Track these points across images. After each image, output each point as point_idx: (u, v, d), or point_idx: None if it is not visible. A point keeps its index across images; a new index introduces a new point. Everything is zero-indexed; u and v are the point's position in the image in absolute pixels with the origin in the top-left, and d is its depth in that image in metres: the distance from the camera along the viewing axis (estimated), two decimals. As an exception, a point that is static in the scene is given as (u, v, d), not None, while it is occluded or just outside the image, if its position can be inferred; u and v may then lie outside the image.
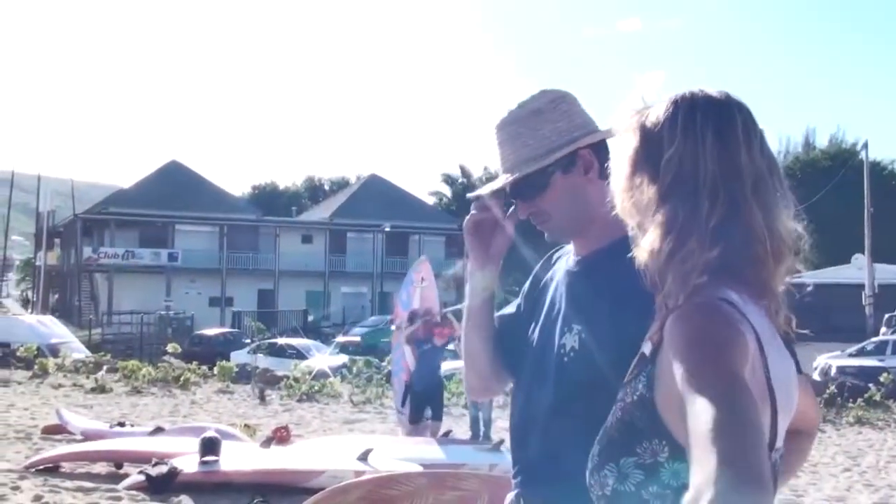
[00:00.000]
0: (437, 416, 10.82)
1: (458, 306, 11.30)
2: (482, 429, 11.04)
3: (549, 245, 2.06)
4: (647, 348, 1.33)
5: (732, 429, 1.05)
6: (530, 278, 2.10)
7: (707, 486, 0.99)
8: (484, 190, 1.95)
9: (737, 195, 1.28)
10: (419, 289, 11.86)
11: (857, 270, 37.16)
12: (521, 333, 2.00)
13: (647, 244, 1.31)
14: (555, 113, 1.89)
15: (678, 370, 1.16)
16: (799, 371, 1.41)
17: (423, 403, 10.65)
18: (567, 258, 1.99)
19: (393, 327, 12.73)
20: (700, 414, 1.08)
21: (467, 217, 1.98)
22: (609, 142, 1.89)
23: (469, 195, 2.05)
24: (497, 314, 2.11)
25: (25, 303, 52.78)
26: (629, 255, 1.40)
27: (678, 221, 1.28)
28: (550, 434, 1.80)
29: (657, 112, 1.37)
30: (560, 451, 1.75)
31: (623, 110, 1.44)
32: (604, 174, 1.82)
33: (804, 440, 1.63)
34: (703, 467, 1.02)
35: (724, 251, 1.26)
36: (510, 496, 1.96)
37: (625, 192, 1.38)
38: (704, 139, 1.31)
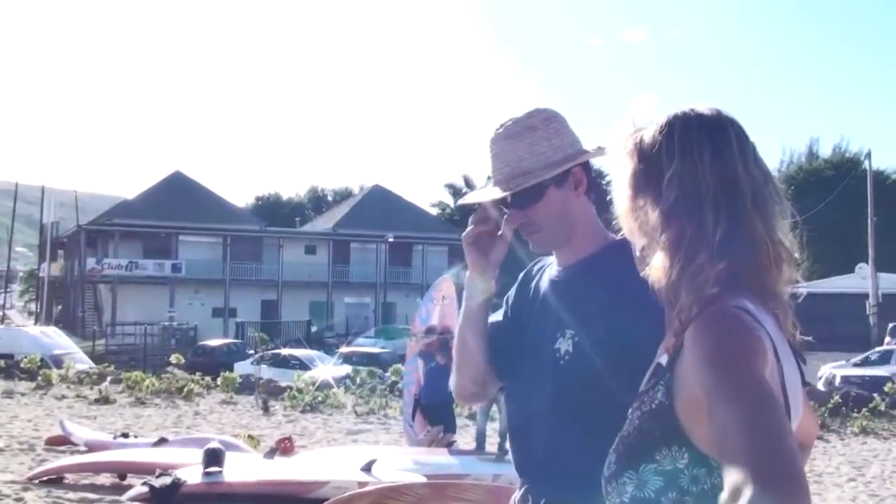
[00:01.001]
0: (450, 429, 10.86)
1: None
2: (497, 440, 11.04)
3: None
4: (662, 359, 1.35)
5: (766, 435, 1.08)
6: (515, 288, 2.21)
7: (746, 490, 1.02)
8: (479, 198, 2.04)
9: (738, 207, 1.32)
10: (440, 306, 11.87)
11: (860, 280, 37.14)
12: (508, 340, 2.10)
13: (658, 263, 1.34)
14: (549, 130, 2.00)
15: (703, 379, 1.19)
16: (804, 382, 1.43)
17: (431, 416, 10.68)
18: (549, 268, 2.10)
19: (411, 341, 12.65)
20: (730, 421, 1.11)
21: (467, 229, 2.07)
22: (595, 161, 2.02)
23: (461, 202, 2.14)
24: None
25: (31, 314, 52.86)
26: (614, 262, 1.54)
27: (686, 238, 1.31)
28: (551, 434, 1.90)
29: (651, 134, 1.40)
30: (561, 449, 1.86)
31: (615, 134, 1.47)
32: (589, 191, 1.99)
33: (803, 452, 1.64)
34: (738, 474, 1.05)
35: (732, 262, 1.30)
36: (516, 495, 2.02)
37: (629, 214, 1.41)
38: (702, 156, 1.34)
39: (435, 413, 10.72)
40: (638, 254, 1.43)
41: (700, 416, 1.19)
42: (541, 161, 1.95)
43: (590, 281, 1.91)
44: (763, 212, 1.33)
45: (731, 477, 1.06)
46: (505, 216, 2.02)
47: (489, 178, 2.09)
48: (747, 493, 1.02)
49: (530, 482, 1.97)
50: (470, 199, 2.08)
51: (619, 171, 1.44)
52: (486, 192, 2.03)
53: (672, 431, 1.27)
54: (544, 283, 2.07)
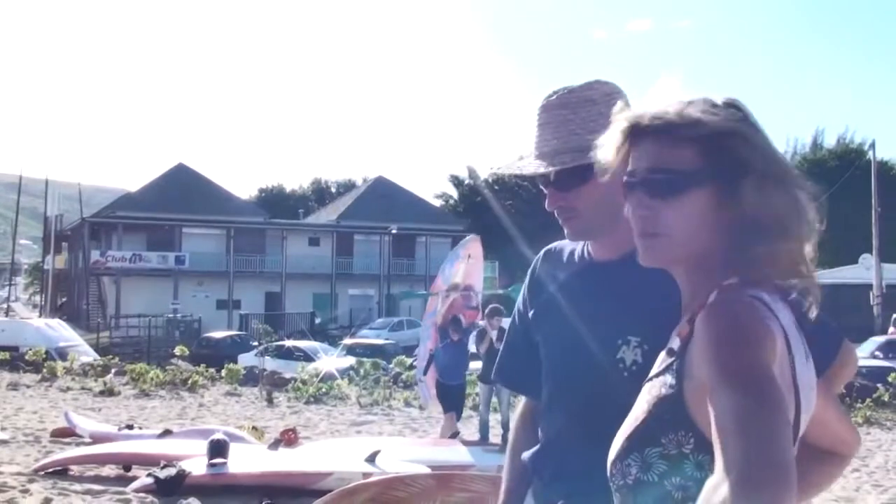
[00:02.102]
0: (458, 415, 10.87)
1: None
2: (501, 431, 11.01)
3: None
4: (674, 343, 1.35)
5: (760, 423, 1.08)
6: (528, 285, 2.04)
7: (728, 478, 1.02)
8: (520, 170, 1.85)
9: (786, 186, 1.32)
10: (465, 264, 11.66)
11: (864, 270, 37.04)
12: (532, 348, 1.96)
13: (698, 245, 1.35)
14: (609, 107, 1.73)
15: (708, 364, 1.19)
16: (822, 371, 1.43)
17: (445, 400, 10.63)
18: (575, 261, 1.92)
19: (432, 299, 12.22)
20: (727, 407, 1.11)
21: None
22: None
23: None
24: (510, 328, 2.10)
25: (35, 307, 52.92)
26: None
27: (737, 221, 1.32)
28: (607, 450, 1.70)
29: (698, 117, 1.37)
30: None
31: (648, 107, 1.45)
32: None
33: (836, 464, 1.61)
34: (726, 459, 1.05)
35: (756, 248, 1.30)
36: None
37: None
38: (746, 139, 1.33)
39: (448, 396, 10.59)
40: (641, 232, 1.40)
41: (705, 402, 1.19)
42: (595, 139, 1.69)
43: (644, 280, 1.60)
44: (799, 191, 1.33)
45: (717, 467, 1.06)
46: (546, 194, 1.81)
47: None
48: (725, 487, 1.02)
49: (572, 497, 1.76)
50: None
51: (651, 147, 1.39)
52: (529, 165, 1.82)
53: (679, 416, 1.27)
54: (578, 279, 1.87)
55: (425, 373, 11.11)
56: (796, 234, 1.33)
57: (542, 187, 1.85)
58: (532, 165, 1.81)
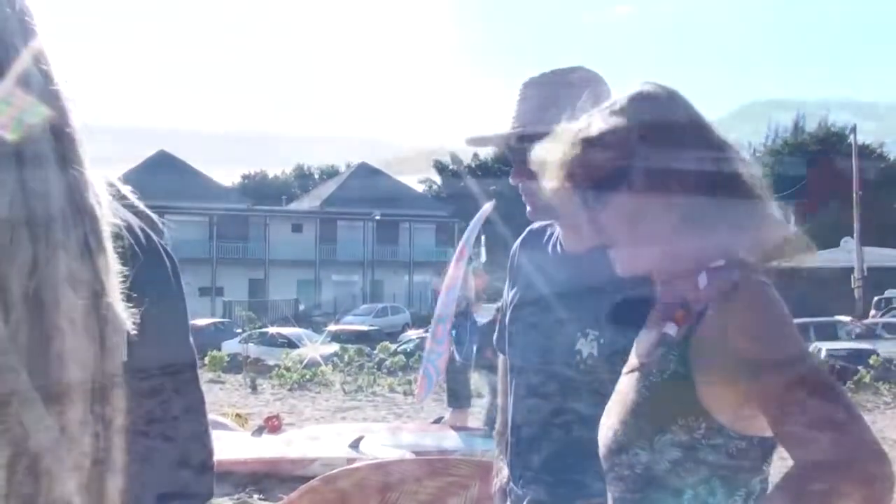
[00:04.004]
0: (466, 402, 10.28)
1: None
2: (483, 416, 10.85)
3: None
4: (670, 329, 1.34)
5: (840, 400, 1.18)
6: (511, 264, 2.07)
7: (831, 457, 1.09)
8: (489, 139, 1.93)
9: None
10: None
11: (846, 254, 37.31)
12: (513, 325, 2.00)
13: (666, 233, 1.37)
14: (583, 91, 1.76)
15: (755, 352, 1.21)
16: None
17: (464, 383, 10.04)
18: (551, 245, 1.94)
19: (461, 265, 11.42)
20: (798, 392, 1.16)
21: None
22: None
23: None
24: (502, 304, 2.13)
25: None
26: None
27: (692, 212, 1.35)
28: (557, 444, 1.75)
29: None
30: (566, 460, 1.72)
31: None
32: None
33: None
34: (820, 440, 1.12)
35: (729, 235, 1.35)
36: (504, 483, 1.96)
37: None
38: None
39: (465, 381, 10.07)
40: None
41: (729, 388, 1.23)
42: (563, 120, 1.68)
43: (608, 274, 1.54)
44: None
45: (804, 450, 1.12)
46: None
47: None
48: (829, 466, 1.08)
49: (532, 491, 1.83)
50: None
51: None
52: (497, 136, 1.90)
53: (689, 402, 1.27)
54: (549, 271, 1.90)
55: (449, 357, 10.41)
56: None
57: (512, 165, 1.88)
58: (500, 136, 1.87)
